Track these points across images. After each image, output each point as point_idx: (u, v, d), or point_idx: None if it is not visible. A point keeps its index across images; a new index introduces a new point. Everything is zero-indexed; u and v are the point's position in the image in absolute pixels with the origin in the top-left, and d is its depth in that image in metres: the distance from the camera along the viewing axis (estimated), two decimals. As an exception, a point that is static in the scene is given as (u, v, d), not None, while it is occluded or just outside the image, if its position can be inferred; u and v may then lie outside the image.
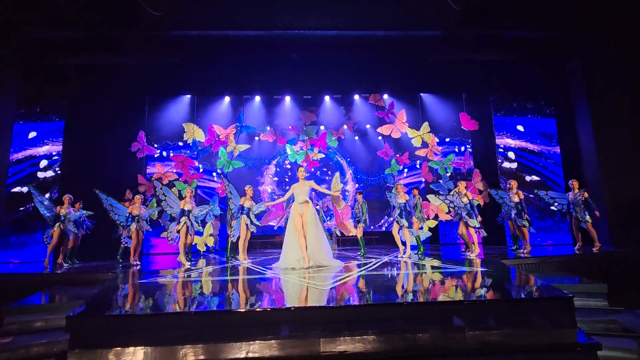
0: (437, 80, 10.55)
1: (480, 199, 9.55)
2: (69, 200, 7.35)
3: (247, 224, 7.25)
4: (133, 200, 7.64)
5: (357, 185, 12.43)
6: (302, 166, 6.46)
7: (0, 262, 8.15)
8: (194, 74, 10.13)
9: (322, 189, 6.86)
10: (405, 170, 11.47)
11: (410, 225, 7.25)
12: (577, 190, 7.25)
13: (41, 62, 9.04)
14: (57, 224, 7.08)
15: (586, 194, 7.15)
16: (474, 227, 6.96)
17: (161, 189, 7.50)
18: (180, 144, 10.32)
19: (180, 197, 8.61)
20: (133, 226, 7.21)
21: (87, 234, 7.83)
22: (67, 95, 9.55)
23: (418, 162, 10.97)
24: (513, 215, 7.02)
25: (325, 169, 12.35)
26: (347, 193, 12.15)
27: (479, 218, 7.04)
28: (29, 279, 5.88)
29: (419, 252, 7.21)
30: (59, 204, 7.40)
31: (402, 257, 6.94)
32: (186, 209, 7.15)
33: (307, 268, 5.59)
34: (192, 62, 9.82)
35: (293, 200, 6.28)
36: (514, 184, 7.20)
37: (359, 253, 7.98)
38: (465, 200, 7.05)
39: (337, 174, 7.77)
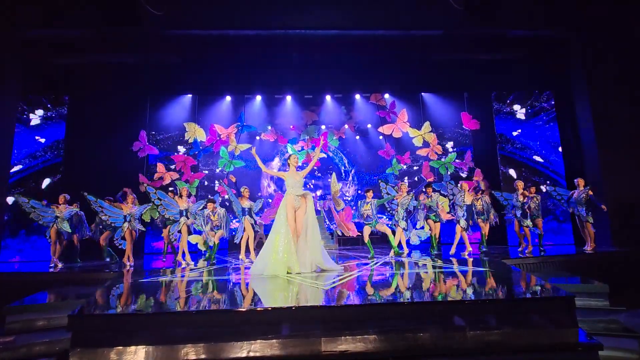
0: (438, 80, 10.53)
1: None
2: (64, 199, 7.20)
3: (252, 224, 7.31)
4: (127, 199, 7.53)
5: (353, 187, 12.39)
6: (292, 155, 5.66)
7: (0, 262, 8.18)
8: (195, 74, 10.13)
9: (307, 169, 5.63)
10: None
11: (407, 228, 7.31)
12: (582, 188, 7.24)
13: (43, 62, 9.06)
14: (53, 224, 6.98)
15: (590, 192, 7.11)
16: (464, 228, 7.02)
17: (155, 193, 7.40)
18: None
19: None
20: (125, 226, 7.03)
21: (85, 237, 7.68)
22: (68, 95, 9.57)
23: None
24: (519, 215, 7.05)
25: (330, 167, 12.33)
26: (346, 197, 12.07)
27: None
28: (31, 278, 5.90)
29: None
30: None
31: (404, 256, 6.97)
32: (183, 208, 7.18)
33: (297, 273, 4.87)
34: (193, 62, 9.83)
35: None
36: (520, 184, 7.25)
37: (369, 256, 7.25)
38: (468, 200, 7.07)
39: (334, 174, 7.72)
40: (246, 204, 7.38)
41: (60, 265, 6.93)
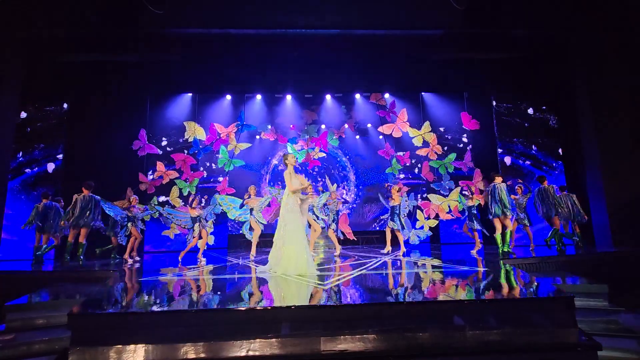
0: (438, 80, 10.54)
1: (481, 198, 9.54)
2: (136, 200, 7.74)
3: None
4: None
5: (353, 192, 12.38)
6: (290, 154, 5.44)
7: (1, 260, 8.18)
8: (195, 73, 10.13)
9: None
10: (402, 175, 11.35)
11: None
12: (521, 194, 7.81)
13: (43, 61, 9.04)
14: (130, 223, 7.54)
15: (518, 198, 7.60)
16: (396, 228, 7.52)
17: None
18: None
19: (181, 196, 8.77)
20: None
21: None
22: (69, 93, 9.57)
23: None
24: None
25: (332, 170, 12.33)
26: (345, 197, 12.08)
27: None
28: (31, 276, 5.90)
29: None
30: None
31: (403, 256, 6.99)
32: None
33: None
34: (194, 61, 9.82)
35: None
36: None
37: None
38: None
39: (327, 176, 7.90)
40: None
41: (131, 260, 7.40)
